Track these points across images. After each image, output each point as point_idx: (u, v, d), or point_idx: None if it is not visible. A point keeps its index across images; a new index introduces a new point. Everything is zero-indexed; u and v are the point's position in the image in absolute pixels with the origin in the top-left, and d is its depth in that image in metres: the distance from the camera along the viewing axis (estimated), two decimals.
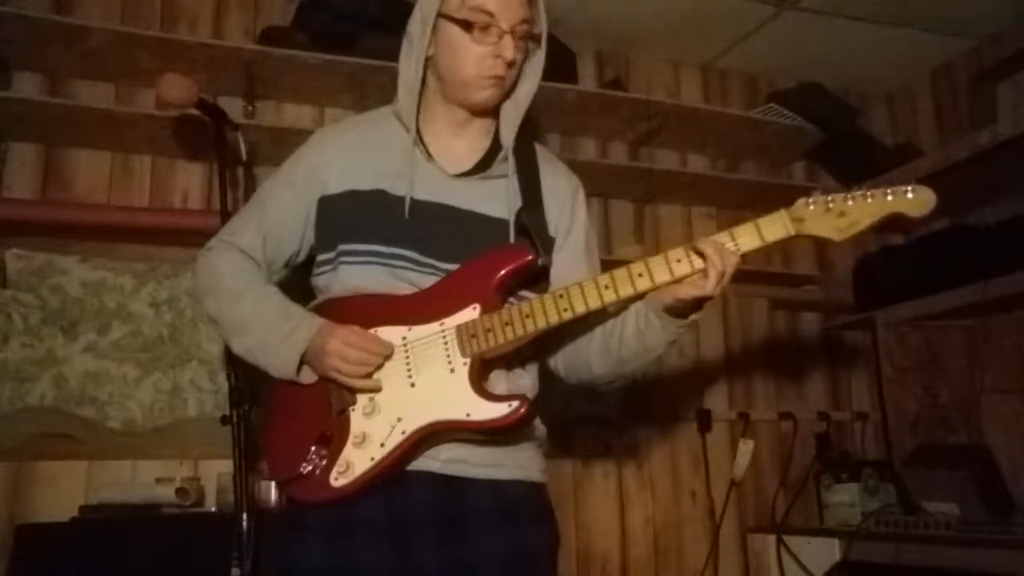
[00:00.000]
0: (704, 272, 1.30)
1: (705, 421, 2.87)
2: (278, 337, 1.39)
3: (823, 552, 2.47)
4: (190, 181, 2.45)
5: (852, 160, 3.00)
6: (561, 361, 1.54)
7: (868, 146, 3.06)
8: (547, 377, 1.55)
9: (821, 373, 3.13)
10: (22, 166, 2.31)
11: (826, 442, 2.95)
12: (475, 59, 1.40)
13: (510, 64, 1.41)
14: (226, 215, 1.91)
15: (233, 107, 2.35)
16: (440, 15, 1.42)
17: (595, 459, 2.73)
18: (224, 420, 1.89)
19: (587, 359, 1.49)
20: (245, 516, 1.79)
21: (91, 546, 1.93)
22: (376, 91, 2.46)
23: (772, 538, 2.66)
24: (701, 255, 1.31)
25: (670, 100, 2.90)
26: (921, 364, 2.91)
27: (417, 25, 1.45)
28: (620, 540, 2.71)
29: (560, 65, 2.69)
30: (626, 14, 2.82)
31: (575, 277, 1.41)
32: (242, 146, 2.11)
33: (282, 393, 1.45)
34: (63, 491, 2.15)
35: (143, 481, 2.20)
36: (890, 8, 2.81)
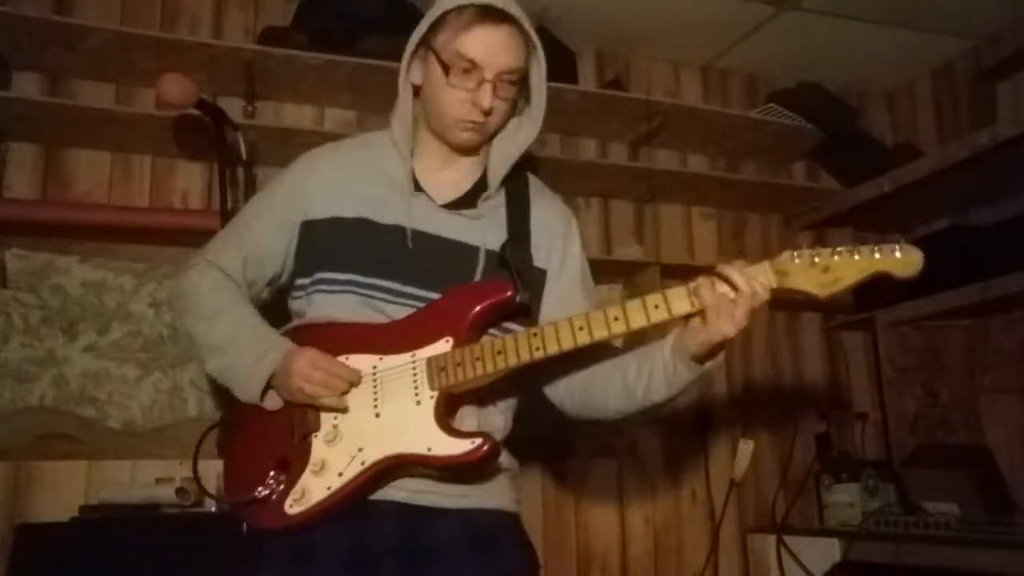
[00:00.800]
0: (696, 314, 1.25)
1: (705, 421, 2.87)
2: (249, 360, 1.38)
3: (823, 552, 2.47)
4: (190, 181, 2.45)
5: (852, 160, 3.00)
6: (568, 400, 1.50)
7: (868, 146, 3.06)
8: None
9: (821, 373, 3.13)
10: (22, 166, 2.31)
11: (826, 442, 2.95)
12: (453, 102, 1.38)
13: (487, 112, 1.38)
14: (226, 215, 1.91)
15: (233, 107, 2.35)
16: (427, 46, 1.39)
17: (595, 459, 2.73)
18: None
19: (603, 400, 1.43)
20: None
21: (91, 546, 1.93)
22: (376, 91, 2.47)
23: (772, 538, 2.65)
24: (700, 297, 1.24)
25: (670, 100, 2.90)
26: (921, 364, 2.91)
27: (409, 47, 1.43)
28: (620, 540, 2.71)
29: (560, 65, 2.69)
30: (626, 14, 2.82)
31: (572, 308, 1.38)
32: (242, 146, 2.11)
33: (247, 415, 1.42)
34: (63, 491, 2.15)
35: (143, 481, 2.20)
36: (890, 8, 2.80)
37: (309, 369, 1.33)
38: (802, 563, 2.53)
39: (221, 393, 1.49)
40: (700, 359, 1.29)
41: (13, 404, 2.18)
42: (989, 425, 2.80)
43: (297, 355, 1.35)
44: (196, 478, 1.52)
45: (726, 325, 1.22)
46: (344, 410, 1.35)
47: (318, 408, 1.36)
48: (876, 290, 2.83)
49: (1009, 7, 2.79)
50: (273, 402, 1.39)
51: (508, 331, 1.39)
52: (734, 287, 1.23)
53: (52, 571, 1.89)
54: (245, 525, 1.41)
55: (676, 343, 1.30)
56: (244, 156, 2.12)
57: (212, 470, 2.18)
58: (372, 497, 1.33)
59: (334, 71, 2.41)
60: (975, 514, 2.35)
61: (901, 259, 1.24)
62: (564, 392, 1.49)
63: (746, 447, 2.84)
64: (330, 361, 1.34)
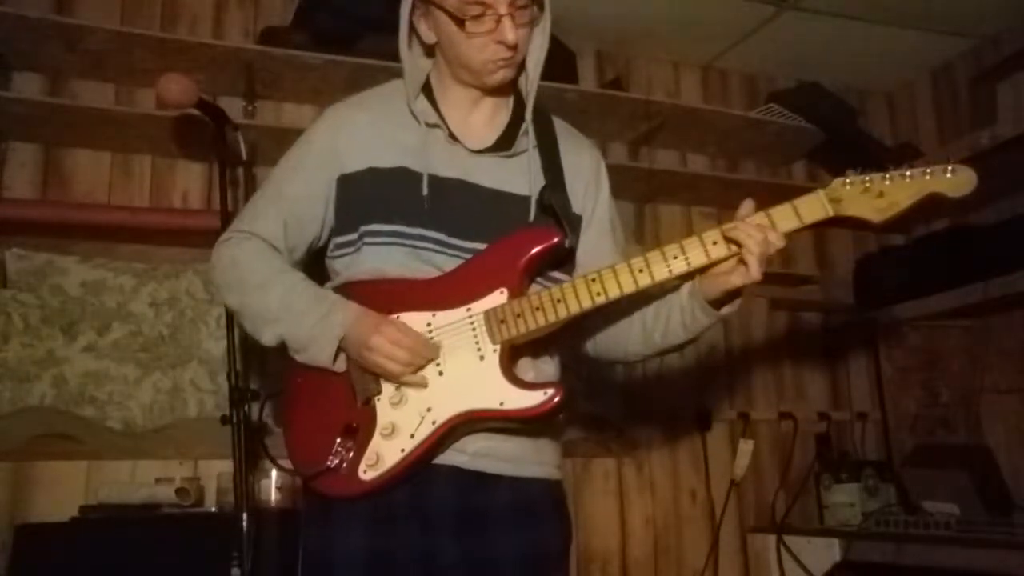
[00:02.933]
0: (739, 254, 1.27)
1: (705, 421, 2.87)
2: (311, 322, 1.33)
3: (823, 552, 2.47)
4: (190, 181, 2.45)
5: (852, 160, 2.98)
6: (591, 345, 1.53)
7: (868, 146, 3.06)
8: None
9: (821, 373, 3.13)
10: (22, 166, 2.31)
11: (826, 442, 2.95)
12: (477, 48, 1.34)
13: (513, 47, 1.34)
14: (226, 215, 1.91)
15: (233, 107, 2.34)
16: (426, 2, 1.36)
17: (595, 459, 2.73)
18: (224, 420, 1.89)
19: (623, 345, 1.48)
20: (245, 516, 1.79)
21: (91, 546, 1.93)
22: None
23: (772, 538, 2.66)
24: (735, 241, 1.28)
25: (670, 100, 2.91)
26: (921, 364, 2.92)
27: (404, 11, 1.39)
28: (620, 540, 2.71)
29: (560, 65, 2.69)
30: (626, 14, 2.82)
31: (602, 256, 1.39)
32: (242, 146, 2.10)
33: (299, 384, 1.39)
34: (63, 491, 2.15)
35: (143, 481, 2.20)
36: (890, 8, 2.80)
37: (392, 348, 1.29)
38: (802, 563, 2.53)
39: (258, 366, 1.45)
40: (717, 305, 1.34)
41: (13, 404, 2.18)
42: (989, 425, 2.80)
43: (374, 328, 1.30)
44: (271, 458, 1.46)
45: (747, 273, 1.27)
46: (425, 385, 1.31)
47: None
48: (876, 290, 2.86)
49: (1009, 7, 2.79)
50: (343, 364, 1.35)
51: (550, 280, 1.38)
52: (738, 244, 1.27)
53: (52, 571, 1.89)
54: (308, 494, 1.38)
55: (694, 288, 1.34)
56: (244, 156, 2.11)
57: (213, 470, 2.21)
58: (433, 461, 1.32)
59: (334, 71, 2.41)
60: (975, 514, 2.35)
61: (952, 179, 1.25)
62: (587, 337, 1.52)
63: (746, 447, 2.84)
64: (414, 339, 1.30)
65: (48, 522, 2.05)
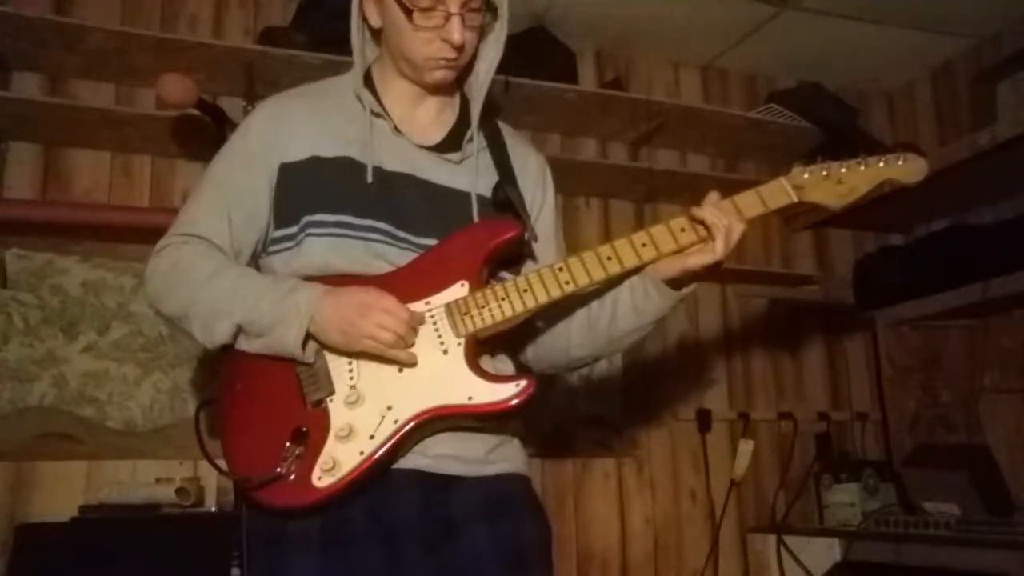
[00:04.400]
0: (707, 240, 1.28)
1: (705, 421, 2.87)
2: (273, 300, 1.21)
3: (823, 552, 2.47)
4: (190, 181, 2.44)
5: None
6: (531, 349, 1.45)
7: (868, 146, 3.05)
8: (547, 376, 1.51)
9: (821, 373, 3.13)
10: (22, 166, 2.31)
11: (826, 442, 2.95)
12: (421, 43, 1.29)
13: (459, 47, 1.29)
14: None
15: (233, 107, 2.34)
16: None
17: (595, 459, 2.73)
18: None
19: (564, 344, 1.40)
20: (245, 516, 1.79)
21: (91, 546, 1.93)
22: None
23: (772, 538, 2.66)
24: (702, 222, 1.27)
25: (670, 100, 2.90)
26: (921, 364, 2.92)
27: None
28: (620, 540, 2.71)
29: (560, 65, 2.70)
30: (626, 14, 2.82)
31: (546, 258, 1.37)
32: None
33: (237, 384, 1.27)
34: (63, 491, 2.15)
35: (143, 481, 2.20)
36: (890, 8, 2.80)
37: (383, 316, 1.18)
38: (802, 563, 2.53)
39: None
40: (675, 285, 1.30)
41: (13, 404, 2.18)
42: (989, 425, 2.80)
43: (356, 300, 1.19)
44: (212, 463, 1.26)
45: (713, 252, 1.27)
46: (412, 365, 1.22)
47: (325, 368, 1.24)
48: (876, 290, 2.86)
49: (1009, 7, 2.79)
50: (309, 354, 1.22)
51: (501, 281, 1.32)
52: (706, 225, 1.28)
53: (52, 571, 1.89)
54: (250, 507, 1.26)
55: (649, 268, 1.30)
56: None
57: (212, 470, 2.20)
58: (392, 466, 1.23)
59: (334, 71, 2.38)
60: (975, 514, 2.35)
61: (904, 166, 1.33)
62: (527, 340, 1.44)
63: (746, 447, 2.84)
64: (400, 306, 1.20)
65: (48, 522, 2.05)
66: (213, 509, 2.16)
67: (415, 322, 1.21)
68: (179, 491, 2.09)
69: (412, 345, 1.22)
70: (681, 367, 2.90)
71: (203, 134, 2.14)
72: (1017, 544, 2.00)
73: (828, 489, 2.76)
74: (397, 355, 1.21)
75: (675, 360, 2.87)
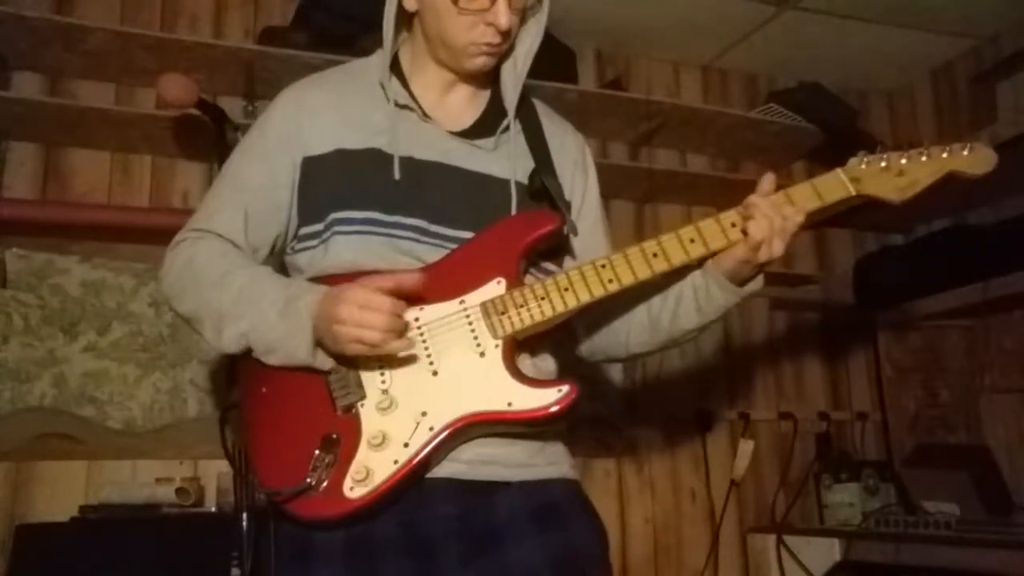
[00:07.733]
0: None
1: (705, 421, 2.87)
2: (278, 310, 1.15)
3: (823, 552, 2.47)
4: (190, 181, 2.45)
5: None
6: (586, 344, 1.40)
7: (868, 146, 3.05)
8: None
9: (821, 373, 3.13)
10: (22, 166, 2.30)
11: (826, 442, 2.95)
12: (464, 27, 1.22)
13: (505, 32, 1.23)
14: None
15: (233, 107, 2.34)
16: None
17: (595, 459, 2.73)
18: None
19: (623, 340, 1.35)
20: (245, 516, 1.79)
21: (91, 546, 1.93)
22: None
23: (772, 538, 2.66)
24: (753, 217, 1.19)
25: (670, 100, 2.90)
26: (921, 364, 2.92)
27: None
28: (620, 540, 2.71)
29: (560, 65, 2.69)
30: (626, 14, 2.82)
31: (597, 248, 1.30)
32: None
33: (264, 390, 1.20)
34: (63, 491, 2.15)
35: (143, 481, 2.20)
36: (890, 8, 2.80)
37: (363, 314, 1.10)
38: (802, 563, 2.53)
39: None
40: (737, 280, 1.23)
41: (13, 404, 2.18)
42: (989, 425, 2.81)
43: (337, 299, 1.11)
44: (241, 472, 1.25)
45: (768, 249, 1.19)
46: (412, 356, 1.16)
47: (358, 370, 1.17)
48: (876, 290, 2.86)
49: (1009, 7, 2.79)
50: (324, 360, 1.16)
51: (546, 273, 1.26)
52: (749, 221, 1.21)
53: (52, 571, 1.89)
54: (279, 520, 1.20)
55: (707, 266, 1.23)
56: None
57: (213, 470, 2.21)
58: (426, 475, 1.16)
59: None
60: (975, 514, 2.35)
61: (971, 156, 1.23)
62: (581, 335, 1.39)
63: (746, 447, 2.84)
64: (382, 298, 1.11)
65: (48, 522, 2.05)
66: (213, 509, 2.15)
67: (398, 308, 1.12)
68: (179, 491, 2.09)
69: (405, 331, 1.15)
70: (681, 367, 2.90)
71: (203, 134, 2.14)
72: (1017, 544, 2.00)
73: (828, 489, 2.76)
74: (391, 350, 1.13)
75: (675, 360, 2.87)
